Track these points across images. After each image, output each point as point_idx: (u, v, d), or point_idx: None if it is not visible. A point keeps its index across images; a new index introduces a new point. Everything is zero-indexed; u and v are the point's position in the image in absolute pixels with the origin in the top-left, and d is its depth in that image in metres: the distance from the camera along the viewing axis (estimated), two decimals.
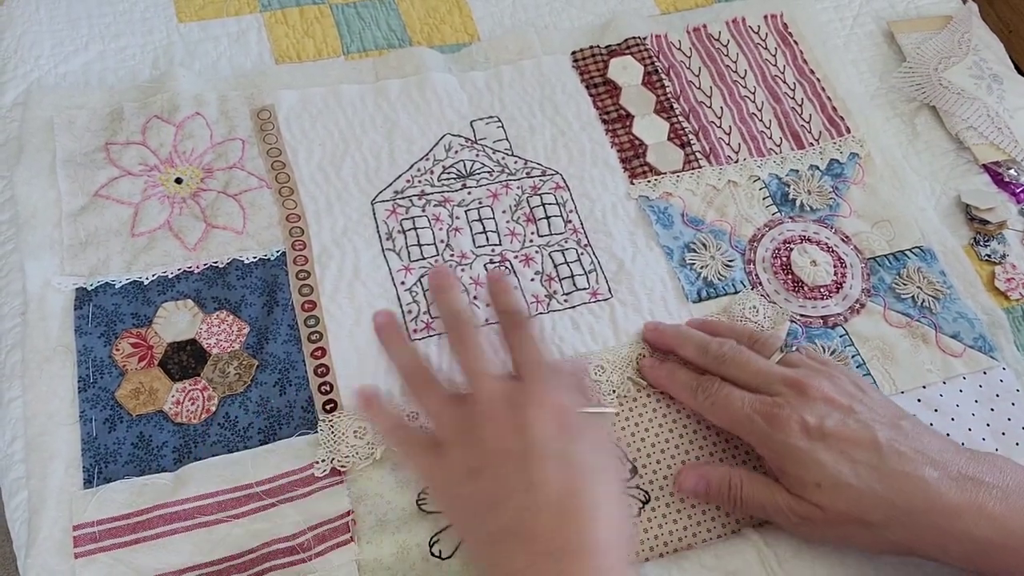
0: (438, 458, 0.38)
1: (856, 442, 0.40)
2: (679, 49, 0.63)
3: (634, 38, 0.62)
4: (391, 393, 0.45)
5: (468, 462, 0.37)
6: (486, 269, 0.52)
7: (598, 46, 0.62)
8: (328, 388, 0.47)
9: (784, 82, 0.62)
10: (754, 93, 0.62)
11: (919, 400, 0.50)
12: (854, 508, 0.39)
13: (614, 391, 0.48)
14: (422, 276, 0.51)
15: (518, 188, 0.55)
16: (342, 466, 0.44)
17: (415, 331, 0.49)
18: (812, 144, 0.60)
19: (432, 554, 0.43)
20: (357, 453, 0.44)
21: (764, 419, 0.41)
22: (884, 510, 0.39)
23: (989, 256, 0.56)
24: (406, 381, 0.41)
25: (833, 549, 0.43)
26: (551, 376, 0.39)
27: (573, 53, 0.62)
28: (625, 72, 0.61)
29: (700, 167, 0.58)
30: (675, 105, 0.60)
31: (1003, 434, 0.49)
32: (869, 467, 0.39)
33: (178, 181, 0.52)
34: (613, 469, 0.39)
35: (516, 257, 0.53)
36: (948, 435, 0.48)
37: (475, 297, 0.50)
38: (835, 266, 0.54)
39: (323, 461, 0.44)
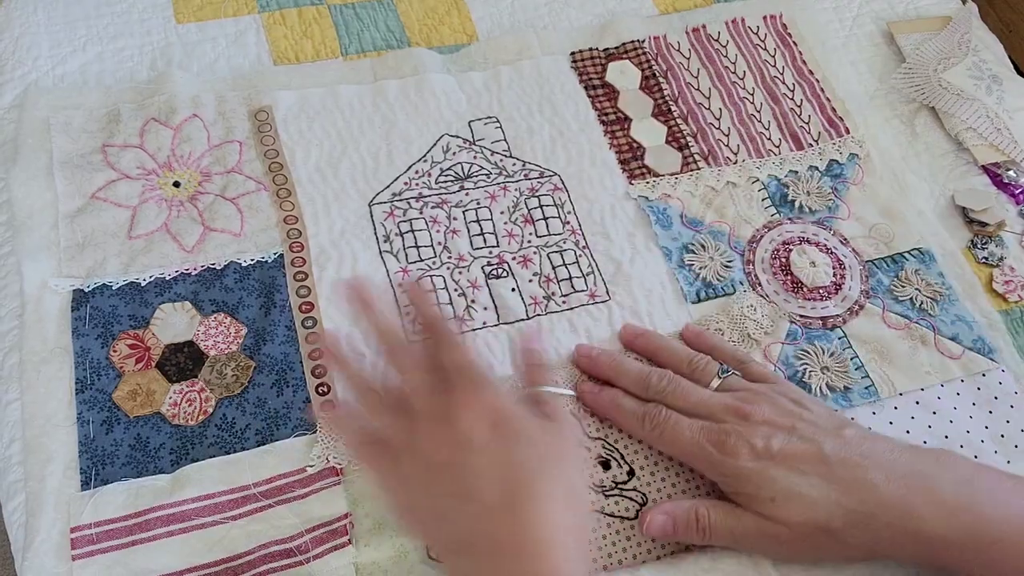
0: (393, 463, 0.39)
1: (803, 457, 0.41)
2: (678, 50, 0.63)
3: (632, 42, 0.62)
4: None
5: (416, 473, 0.38)
6: (483, 271, 0.52)
7: (596, 49, 0.62)
8: (326, 389, 0.47)
9: (783, 83, 0.62)
10: (753, 94, 0.61)
11: (917, 402, 0.49)
12: (813, 516, 0.40)
13: None
14: (420, 278, 0.51)
15: (516, 189, 0.55)
16: (338, 462, 0.44)
17: (414, 333, 0.49)
18: (811, 145, 0.60)
19: (430, 557, 0.43)
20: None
21: (714, 447, 0.42)
22: (842, 515, 0.40)
23: (986, 259, 0.56)
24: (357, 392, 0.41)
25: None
26: (480, 379, 0.39)
27: (572, 54, 0.62)
28: (623, 76, 0.61)
29: (699, 168, 0.58)
30: (673, 107, 0.60)
31: (1002, 436, 0.49)
32: (819, 477, 0.40)
33: (176, 185, 0.52)
34: (562, 455, 0.39)
35: (514, 258, 0.53)
36: (946, 436, 0.49)
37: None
38: (834, 267, 0.54)
39: (318, 458, 0.44)
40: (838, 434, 0.42)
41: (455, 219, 0.53)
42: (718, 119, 0.60)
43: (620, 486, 0.46)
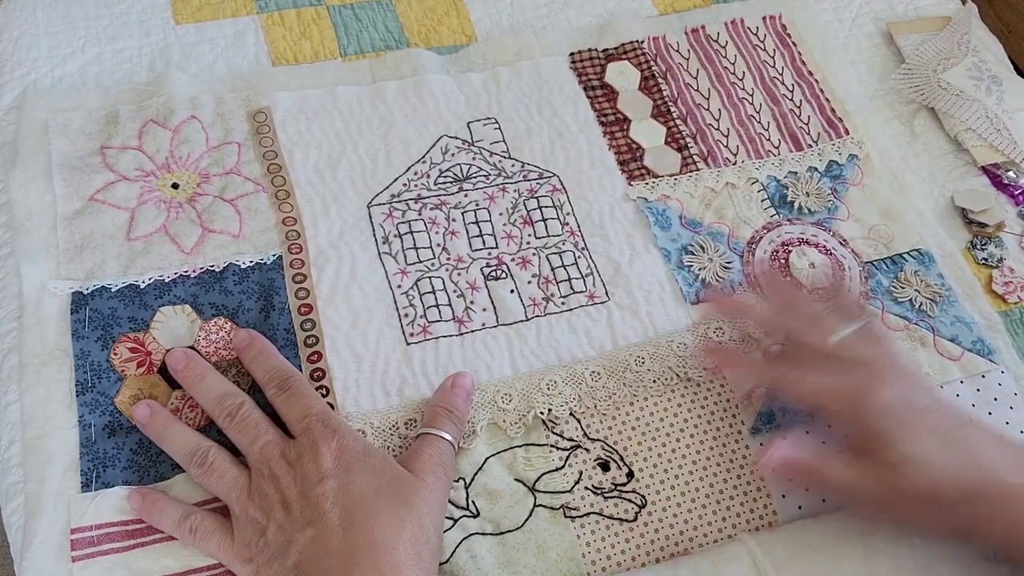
0: (229, 535, 0.41)
1: (930, 428, 0.42)
2: (677, 51, 0.63)
3: (631, 43, 0.62)
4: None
5: (257, 520, 0.40)
6: (482, 273, 0.52)
7: (595, 49, 0.62)
8: (324, 392, 0.47)
9: (783, 83, 0.62)
10: (752, 95, 0.61)
11: None
12: (928, 485, 0.41)
13: (611, 397, 0.48)
14: (419, 280, 0.51)
15: (515, 191, 0.55)
16: None
17: (412, 335, 0.49)
18: (811, 146, 0.60)
19: None
20: None
21: (843, 401, 0.43)
22: (955, 489, 0.41)
23: (986, 260, 0.56)
24: (188, 467, 0.43)
25: (828, 558, 0.43)
26: (322, 426, 0.42)
27: (571, 55, 0.62)
28: (622, 77, 0.61)
29: (698, 169, 0.58)
30: (672, 108, 0.60)
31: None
32: (942, 450, 0.41)
33: (175, 186, 0.52)
34: (406, 489, 0.41)
35: (513, 260, 0.53)
36: None
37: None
38: (833, 269, 0.54)
39: None
40: (967, 421, 0.43)
41: (454, 220, 0.53)
42: (717, 120, 0.60)
43: (619, 488, 0.46)
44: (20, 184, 0.51)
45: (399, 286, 0.51)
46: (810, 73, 0.63)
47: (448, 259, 0.52)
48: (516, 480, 0.45)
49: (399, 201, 0.54)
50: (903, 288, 0.54)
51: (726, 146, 0.59)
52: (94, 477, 0.43)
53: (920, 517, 0.42)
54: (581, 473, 0.46)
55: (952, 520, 0.41)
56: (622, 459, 0.46)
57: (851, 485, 0.42)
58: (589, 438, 0.47)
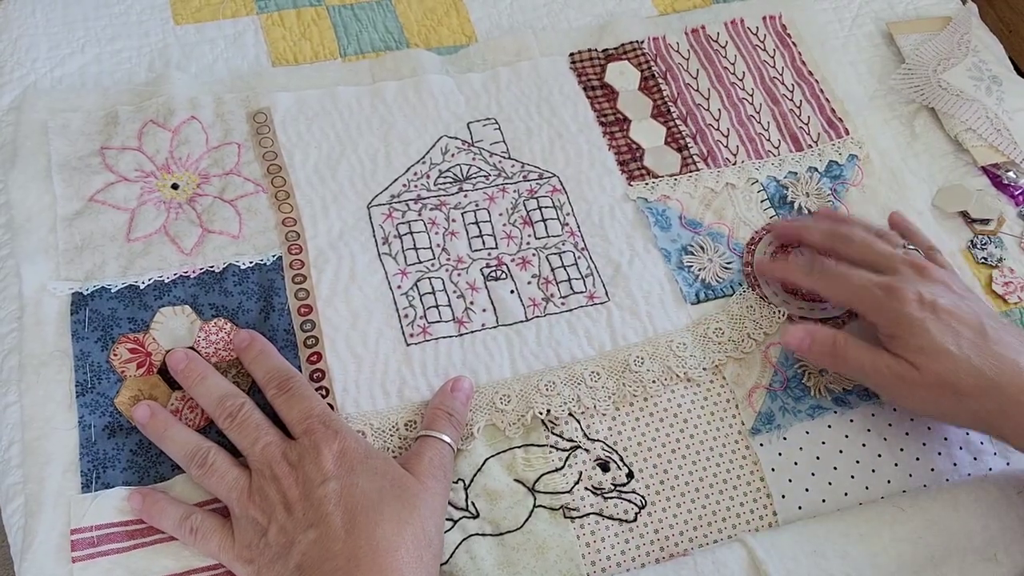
0: (230, 536, 0.41)
1: (963, 321, 0.44)
2: (677, 51, 0.63)
3: (631, 43, 0.62)
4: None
5: (258, 521, 0.40)
6: (482, 274, 0.52)
7: (595, 50, 0.62)
8: (324, 393, 0.47)
9: (783, 83, 0.62)
10: (752, 95, 0.61)
11: None
12: (949, 374, 0.42)
13: (610, 397, 0.48)
14: (418, 280, 0.51)
15: (515, 191, 0.55)
16: None
17: (411, 335, 0.49)
18: (811, 146, 0.60)
19: None
20: None
21: (883, 291, 0.45)
22: (976, 380, 0.42)
23: (985, 259, 0.56)
24: (188, 468, 0.43)
25: (828, 559, 0.43)
26: (323, 427, 0.42)
27: (571, 55, 0.62)
28: (622, 77, 0.61)
29: (698, 170, 0.58)
30: (672, 108, 0.60)
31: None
32: (971, 343, 0.43)
33: (174, 187, 0.52)
34: (409, 491, 0.41)
35: (513, 260, 0.53)
36: (946, 439, 0.49)
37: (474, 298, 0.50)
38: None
39: None
40: (997, 319, 0.45)
41: (454, 221, 0.53)
42: (717, 120, 0.60)
43: (619, 488, 0.46)
44: (19, 185, 0.51)
45: (399, 287, 0.51)
46: (810, 73, 0.63)
47: (448, 260, 0.52)
48: (516, 481, 0.45)
49: (399, 202, 0.54)
50: None
51: (726, 146, 0.59)
52: (94, 478, 0.43)
53: (938, 402, 0.43)
54: (581, 473, 0.46)
55: (970, 409, 0.43)
56: (622, 459, 0.46)
57: (871, 363, 0.44)
58: (589, 438, 0.47)
